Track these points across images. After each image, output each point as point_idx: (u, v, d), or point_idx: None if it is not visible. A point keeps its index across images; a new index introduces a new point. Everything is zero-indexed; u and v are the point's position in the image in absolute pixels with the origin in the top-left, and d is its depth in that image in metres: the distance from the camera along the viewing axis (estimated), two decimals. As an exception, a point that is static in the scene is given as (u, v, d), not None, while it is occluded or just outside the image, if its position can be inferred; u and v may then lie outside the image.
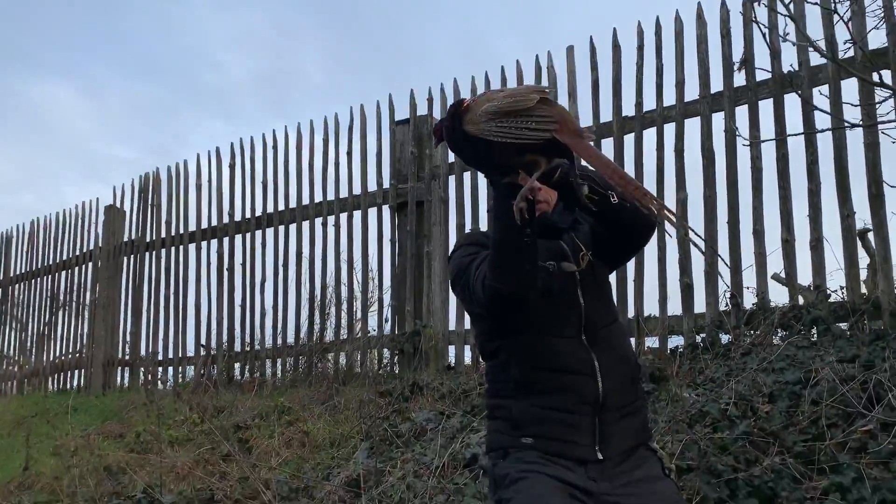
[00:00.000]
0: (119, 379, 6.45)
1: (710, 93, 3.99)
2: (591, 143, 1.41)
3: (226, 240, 5.92)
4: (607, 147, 4.26)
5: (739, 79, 3.91)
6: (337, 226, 5.34)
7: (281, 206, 5.66)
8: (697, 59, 4.05)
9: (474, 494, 2.71)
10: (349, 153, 5.37)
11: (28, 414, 6.15)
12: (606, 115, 4.32)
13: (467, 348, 4.61)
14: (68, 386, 6.93)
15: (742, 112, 3.89)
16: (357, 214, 5.26)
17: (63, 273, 7.27)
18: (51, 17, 18.53)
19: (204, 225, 6.11)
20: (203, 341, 5.81)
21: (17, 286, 7.82)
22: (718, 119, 3.96)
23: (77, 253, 7.14)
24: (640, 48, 4.22)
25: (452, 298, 4.71)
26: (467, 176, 4.81)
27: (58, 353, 7.14)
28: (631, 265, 4.06)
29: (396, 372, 4.79)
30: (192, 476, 3.99)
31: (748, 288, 3.68)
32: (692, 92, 4.06)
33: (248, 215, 5.84)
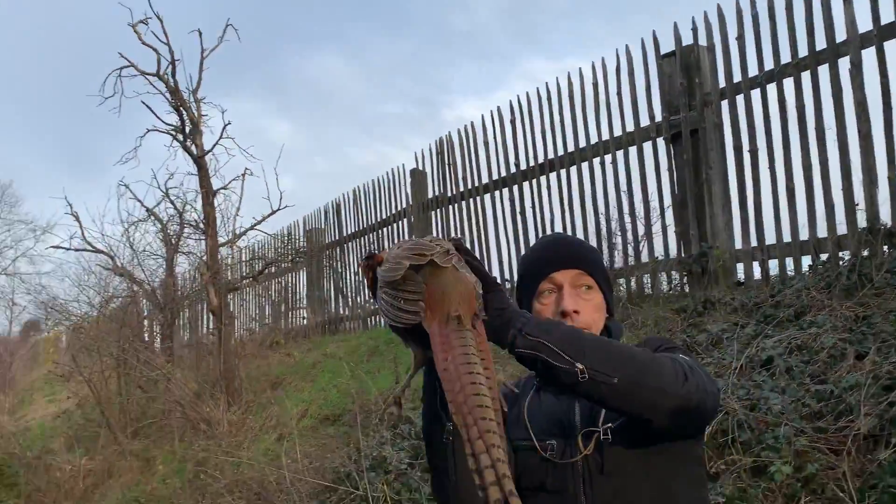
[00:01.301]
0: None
1: None
2: (465, 335, 1.09)
3: (515, 188, 6.72)
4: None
5: None
6: (615, 163, 5.81)
7: (560, 152, 6.27)
8: None
9: (772, 388, 3.12)
10: (619, 93, 5.77)
11: (378, 344, 7.65)
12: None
13: (755, 264, 4.86)
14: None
15: None
16: (633, 150, 5.68)
17: (384, 230, 8.72)
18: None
19: (494, 176, 6.96)
20: (506, 276, 6.73)
21: (349, 243, 9.52)
22: None
23: (393, 212, 8.51)
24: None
25: (736, 218, 4.97)
26: (740, 99, 4.96)
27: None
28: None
29: (687, 291, 5.20)
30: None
31: None
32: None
33: (531, 164, 6.55)
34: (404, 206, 8.30)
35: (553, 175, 6.36)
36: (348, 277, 9.54)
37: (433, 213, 7.86)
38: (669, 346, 1.40)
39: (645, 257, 5.69)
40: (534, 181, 6.54)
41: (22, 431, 13.14)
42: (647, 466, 1.28)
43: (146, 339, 11.78)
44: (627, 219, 5.78)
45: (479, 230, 7.16)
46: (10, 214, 38.98)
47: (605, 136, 5.89)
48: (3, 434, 12.17)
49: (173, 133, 9.16)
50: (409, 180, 8.20)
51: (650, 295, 5.47)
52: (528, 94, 6.55)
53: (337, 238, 9.78)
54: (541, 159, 6.47)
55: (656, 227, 5.73)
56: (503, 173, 6.88)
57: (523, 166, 6.64)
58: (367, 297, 9.04)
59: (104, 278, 12.14)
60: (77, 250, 11.25)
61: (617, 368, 1.14)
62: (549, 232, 6.36)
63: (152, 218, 10.69)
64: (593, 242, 6.03)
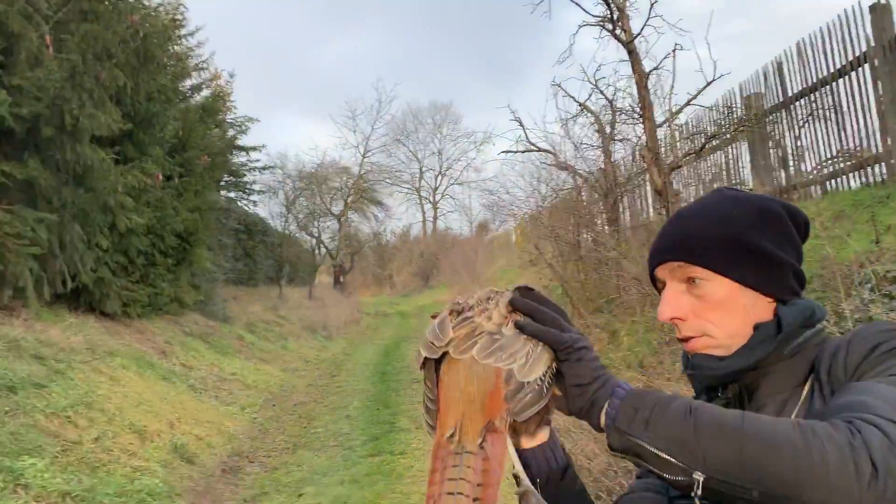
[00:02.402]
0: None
1: None
2: (459, 462, 0.86)
3: None
4: None
5: None
6: None
7: None
8: None
9: None
10: None
11: (842, 207, 7.07)
12: None
13: None
14: (867, 181, 7.56)
15: None
16: None
17: (838, 81, 7.82)
18: None
19: None
20: None
21: (795, 103, 8.79)
22: None
23: (849, 59, 7.57)
24: None
25: None
26: None
27: (837, 155, 7.81)
28: None
29: None
30: None
31: None
32: None
33: None
34: (864, 49, 7.31)
35: None
36: (795, 142, 8.89)
37: (904, 50, 6.80)
38: (889, 349, 0.91)
39: None
40: None
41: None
42: None
43: (595, 224, 12.78)
44: None
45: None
46: (454, 131, 45.37)
47: None
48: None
49: (602, 24, 9.50)
50: (867, 18, 7.17)
51: None
52: None
53: (781, 100, 9.12)
54: None
55: None
56: None
57: None
58: (821, 161, 8.35)
59: (550, 174, 13.45)
60: (523, 152, 12.62)
61: (758, 474, 0.74)
62: None
63: (585, 111, 11.36)
64: None
